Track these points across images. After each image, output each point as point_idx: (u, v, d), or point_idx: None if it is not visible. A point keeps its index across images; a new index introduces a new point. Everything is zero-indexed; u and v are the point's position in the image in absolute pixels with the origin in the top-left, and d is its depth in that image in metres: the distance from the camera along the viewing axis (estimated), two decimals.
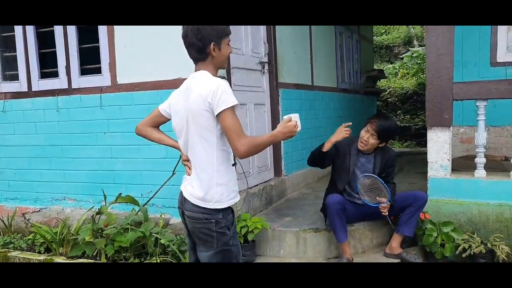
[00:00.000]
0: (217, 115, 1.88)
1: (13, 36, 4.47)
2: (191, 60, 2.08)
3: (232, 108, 1.87)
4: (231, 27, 4.18)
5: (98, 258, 3.57)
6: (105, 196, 3.57)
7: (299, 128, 2.00)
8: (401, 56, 13.03)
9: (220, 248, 2.01)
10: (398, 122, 10.51)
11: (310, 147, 5.55)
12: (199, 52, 2.01)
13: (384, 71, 11.96)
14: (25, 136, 4.53)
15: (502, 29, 4.78)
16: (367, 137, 3.38)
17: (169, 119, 2.20)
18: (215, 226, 1.98)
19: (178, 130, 2.09)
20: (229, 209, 2.06)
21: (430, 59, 3.64)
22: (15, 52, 4.49)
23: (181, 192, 2.11)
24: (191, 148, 2.03)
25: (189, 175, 2.06)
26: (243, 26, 4.21)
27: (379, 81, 9.91)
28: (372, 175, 3.38)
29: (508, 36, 4.80)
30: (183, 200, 2.09)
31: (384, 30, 15.35)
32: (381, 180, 3.33)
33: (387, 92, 11.13)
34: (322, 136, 5.90)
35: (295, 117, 2.00)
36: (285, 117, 2.01)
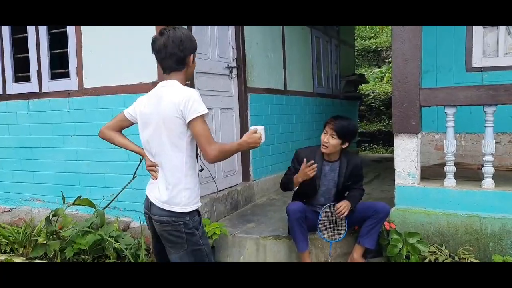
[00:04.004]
0: (188, 122, 2.00)
1: None
2: (163, 69, 2.14)
3: (203, 116, 2.00)
4: (197, 32, 4.17)
5: (56, 259, 3.63)
6: (63, 198, 3.65)
7: (263, 140, 2.11)
8: (388, 60, 13.09)
9: (191, 248, 2.09)
10: (382, 127, 10.54)
11: (282, 151, 5.63)
12: (178, 63, 2.09)
13: (369, 76, 11.97)
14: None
15: (477, 34, 4.69)
16: (327, 139, 3.30)
17: (133, 124, 2.27)
18: (184, 227, 2.07)
19: (148, 136, 2.13)
20: (196, 211, 2.14)
21: (396, 65, 3.52)
22: None
23: (147, 197, 2.18)
24: (161, 153, 2.09)
25: (155, 179, 2.14)
26: (209, 31, 4.28)
27: (361, 85, 9.92)
28: (334, 204, 3.36)
29: (484, 40, 4.73)
30: (149, 205, 2.15)
31: (372, 34, 15.39)
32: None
33: (371, 96, 11.14)
34: (296, 141, 5.94)
35: (260, 129, 2.11)
36: (251, 128, 2.11)
